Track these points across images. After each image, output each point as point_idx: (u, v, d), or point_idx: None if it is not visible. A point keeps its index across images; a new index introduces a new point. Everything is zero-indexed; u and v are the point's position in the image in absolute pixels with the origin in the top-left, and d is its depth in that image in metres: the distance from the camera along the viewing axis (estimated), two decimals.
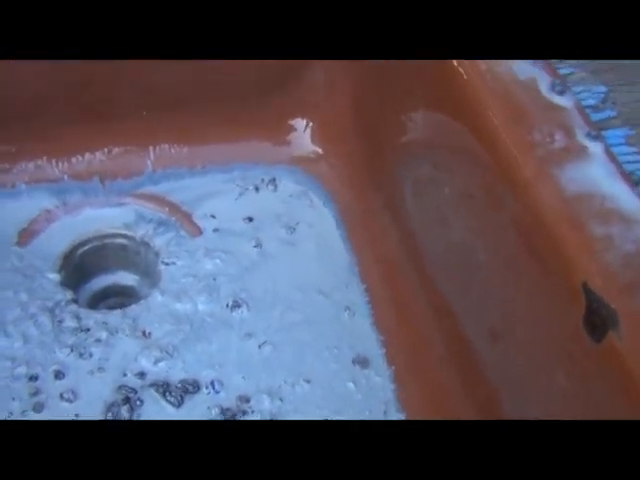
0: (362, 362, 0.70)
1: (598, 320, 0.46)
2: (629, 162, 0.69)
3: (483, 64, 0.60)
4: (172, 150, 0.83)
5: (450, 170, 0.67)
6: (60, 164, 0.80)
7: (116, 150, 0.82)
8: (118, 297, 0.78)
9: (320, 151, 0.85)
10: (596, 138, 0.56)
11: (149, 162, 0.82)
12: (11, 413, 0.63)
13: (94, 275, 0.78)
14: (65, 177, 0.80)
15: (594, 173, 0.54)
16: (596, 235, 0.50)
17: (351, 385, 0.68)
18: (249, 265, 0.76)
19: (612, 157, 0.55)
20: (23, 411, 0.63)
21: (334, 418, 0.66)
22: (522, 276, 0.58)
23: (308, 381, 0.68)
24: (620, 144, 0.71)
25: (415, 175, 0.74)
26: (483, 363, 0.64)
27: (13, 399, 0.64)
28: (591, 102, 0.74)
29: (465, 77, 0.61)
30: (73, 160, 0.80)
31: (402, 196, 0.77)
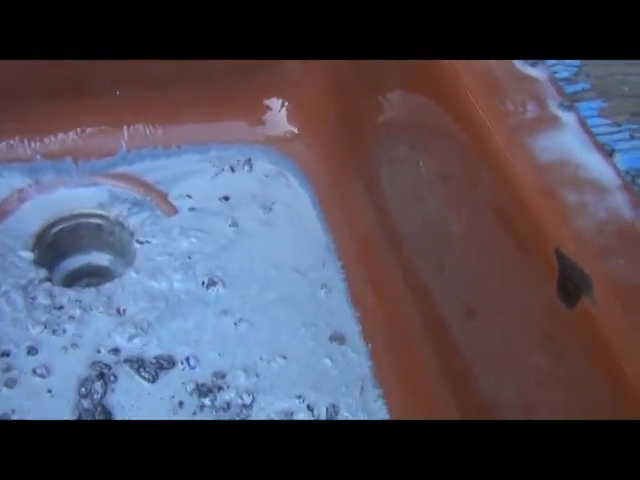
0: (339, 339, 0.70)
1: (571, 285, 0.46)
2: (602, 134, 0.69)
3: None
4: (146, 130, 0.83)
5: (427, 150, 0.67)
6: (32, 143, 0.79)
7: (89, 130, 0.81)
8: (93, 276, 0.77)
9: (296, 131, 0.85)
10: (569, 108, 0.56)
11: (123, 142, 0.81)
12: None
13: (68, 254, 0.77)
14: (38, 157, 0.79)
15: (567, 142, 0.54)
16: (569, 203, 0.50)
17: (328, 361, 0.68)
18: (225, 244, 0.76)
19: (585, 127, 0.56)
20: None
21: (310, 394, 0.66)
22: (497, 252, 0.58)
23: (284, 357, 0.68)
24: (593, 116, 0.71)
25: (392, 155, 0.75)
26: (458, 339, 0.65)
27: None
28: (565, 75, 0.74)
29: None
30: (46, 140, 0.80)
31: (379, 176, 0.77)
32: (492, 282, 0.60)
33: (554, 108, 0.56)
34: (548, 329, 0.52)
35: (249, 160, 0.84)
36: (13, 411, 0.61)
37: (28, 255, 0.72)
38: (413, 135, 0.70)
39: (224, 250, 0.75)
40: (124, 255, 0.77)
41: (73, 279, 0.76)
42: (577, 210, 0.49)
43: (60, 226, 0.76)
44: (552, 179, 0.51)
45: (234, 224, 0.78)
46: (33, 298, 0.68)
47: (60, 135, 0.80)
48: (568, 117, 0.56)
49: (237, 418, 0.63)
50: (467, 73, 0.60)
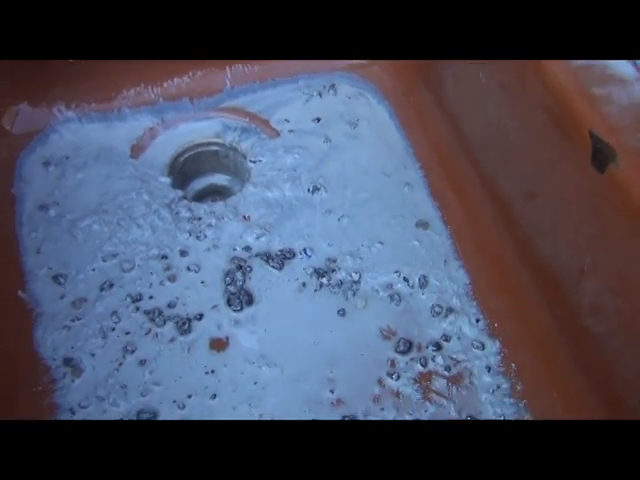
0: (423, 225, 0.86)
1: (601, 157, 0.60)
2: None
3: None
4: (245, 69, 0.98)
5: (485, 63, 0.80)
6: (155, 89, 0.95)
7: (199, 73, 0.97)
8: (218, 192, 0.94)
9: None
10: None
11: (227, 80, 0.97)
12: (151, 284, 0.80)
13: (195, 177, 0.94)
14: (160, 100, 0.95)
15: None
16: (598, 95, 0.64)
17: (416, 243, 0.84)
18: (322, 156, 0.92)
19: None
20: (160, 281, 0.80)
21: (405, 269, 0.82)
22: (546, 142, 0.71)
23: (381, 243, 0.84)
24: None
25: (455, 70, 0.88)
26: (521, 216, 0.79)
27: (151, 273, 0.81)
28: None
29: None
30: (165, 85, 0.96)
31: (446, 88, 0.91)
32: (545, 167, 0.73)
33: None
34: (590, 201, 0.66)
35: (333, 85, 0.98)
36: (177, 299, 0.79)
37: (166, 180, 0.89)
38: None
39: (322, 162, 0.91)
40: (241, 173, 0.93)
41: (202, 196, 0.93)
42: (604, 100, 0.63)
43: (186, 155, 0.93)
44: (584, 78, 0.65)
45: (327, 140, 0.93)
46: (177, 213, 0.86)
47: (176, 80, 0.96)
48: None
49: (349, 292, 0.80)
50: None
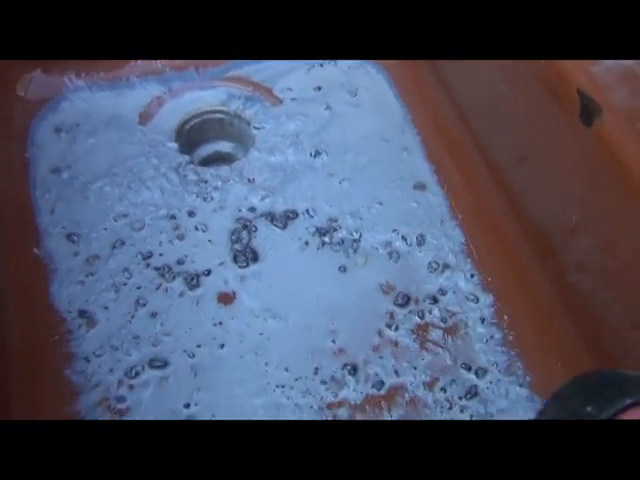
0: (421, 187, 0.90)
1: (588, 112, 0.64)
2: None
3: None
4: None
5: None
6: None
7: None
8: (222, 159, 0.97)
9: None
10: None
11: None
12: (161, 242, 0.83)
13: (201, 143, 0.98)
14: (167, 69, 0.99)
15: None
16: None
17: (414, 204, 0.88)
18: (323, 123, 0.95)
19: None
20: (169, 240, 0.84)
21: (403, 228, 0.85)
22: (538, 105, 0.75)
23: (380, 203, 0.88)
24: None
25: None
26: (515, 180, 0.83)
27: (161, 232, 0.84)
28: None
29: None
30: None
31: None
32: (537, 130, 0.77)
33: None
34: (580, 161, 0.70)
35: None
36: (186, 256, 0.83)
37: (173, 145, 0.93)
38: None
39: (323, 128, 0.95)
40: (245, 139, 0.97)
41: (207, 163, 0.97)
42: (590, 61, 0.67)
43: (192, 122, 0.97)
44: None
45: (328, 107, 0.97)
46: (184, 176, 0.89)
47: None
48: None
49: (350, 250, 0.84)
50: None
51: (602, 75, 0.65)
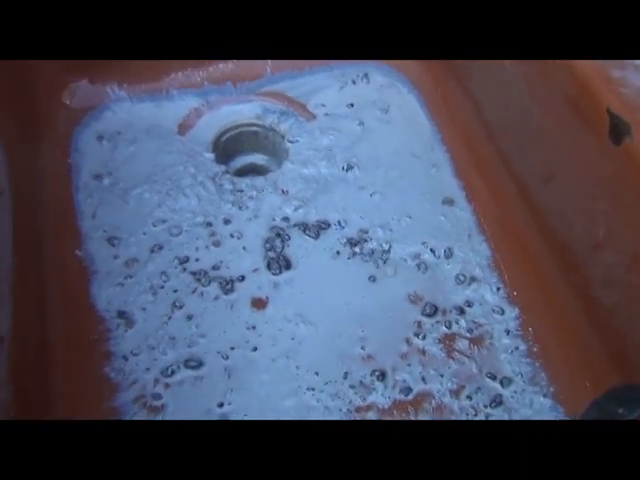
0: (449, 202, 0.92)
1: (617, 131, 0.67)
2: None
3: None
4: None
5: None
6: (201, 73, 1.03)
7: (242, 60, 1.04)
8: (256, 171, 1.00)
9: None
10: None
11: (267, 67, 1.04)
12: (197, 248, 0.86)
13: (236, 154, 1.01)
14: (205, 82, 1.02)
15: None
16: (615, 78, 0.70)
17: (442, 218, 0.91)
18: (355, 139, 0.99)
19: None
20: (206, 246, 0.87)
21: (431, 241, 0.88)
22: (566, 125, 0.77)
23: (410, 217, 0.90)
24: None
25: (482, 61, 0.94)
26: (541, 197, 0.85)
27: (197, 239, 0.87)
28: None
29: None
30: (210, 69, 1.03)
31: (472, 78, 0.97)
32: (564, 147, 0.79)
33: None
34: (606, 179, 0.72)
35: (366, 74, 1.05)
36: (221, 262, 0.86)
37: (210, 156, 0.96)
38: None
39: (355, 143, 0.98)
40: (279, 152, 1.00)
41: (243, 172, 1.00)
42: (620, 82, 0.69)
43: (229, 134, 1.00)
44: (602, 63, 0.71)
45: (361, 123, 1.00)
46: (221, 185, 0.92)
47: (221, 65, 1.03)
48: None
49: (380, 260, 0.86)
50: None
51: (632, 95, 0.68)
